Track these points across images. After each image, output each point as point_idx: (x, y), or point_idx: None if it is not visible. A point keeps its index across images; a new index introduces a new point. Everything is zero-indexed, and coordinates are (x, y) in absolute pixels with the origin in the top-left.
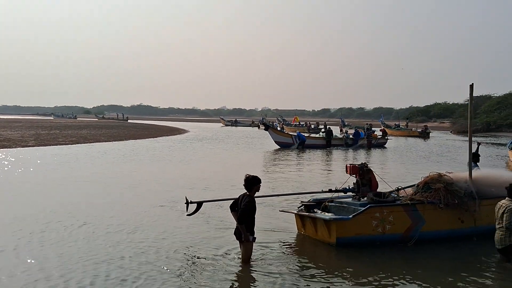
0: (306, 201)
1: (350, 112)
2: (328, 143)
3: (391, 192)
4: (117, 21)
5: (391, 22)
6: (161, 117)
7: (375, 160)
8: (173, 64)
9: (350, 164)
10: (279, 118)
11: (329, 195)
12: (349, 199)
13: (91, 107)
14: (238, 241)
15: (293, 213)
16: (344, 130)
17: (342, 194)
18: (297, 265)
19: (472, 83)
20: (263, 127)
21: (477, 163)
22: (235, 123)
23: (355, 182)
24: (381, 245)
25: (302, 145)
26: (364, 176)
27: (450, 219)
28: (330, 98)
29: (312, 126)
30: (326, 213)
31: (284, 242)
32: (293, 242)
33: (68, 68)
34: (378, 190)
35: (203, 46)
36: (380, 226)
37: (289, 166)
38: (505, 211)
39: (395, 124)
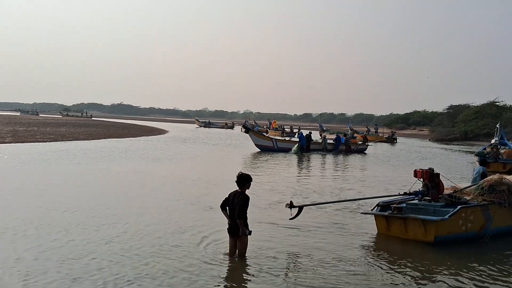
0: (382, 202)
1: (331, 117)
2: (306, 148)
3: (452, 193)
4: (98, 17)
5: (373, 28)
6: (142, 117)
7: (357, 166)
8: (155, 64)
9: (420, 169)
10: (254, 122)
11: (388, 198)
12: (415, 201)
13: (71, 105)
14: (231, 237)
15: (382, 214)
16: (323, 135)
17: (406, 197)
18: (396, 262)
19: None
20: (244, 130)
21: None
22: (208, 125)
23: (423, 185)
24: (463, 242)
25: (303, 151)
26: (433, 179)
27: (510, 216)
28: (312, 103)
29: (287, 130)
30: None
31: (369, 243)
32: (378, 242)
33: (49, 64)
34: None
35: (185, 47)
36: (464, 225)
37: (287, 171)
38: None
39: (367, 129)
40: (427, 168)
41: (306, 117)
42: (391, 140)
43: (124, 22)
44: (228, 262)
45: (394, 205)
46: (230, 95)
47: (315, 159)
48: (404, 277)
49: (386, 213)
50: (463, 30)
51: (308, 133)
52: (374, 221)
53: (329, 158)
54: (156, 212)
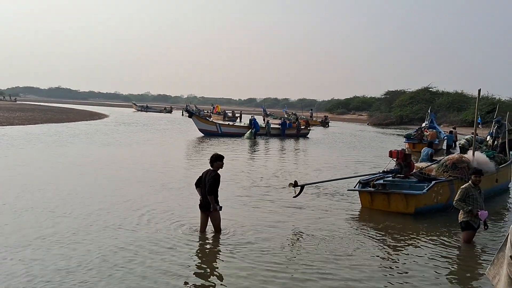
0: (363, 180)
1: (275, 102)
2: None
3: (421, 171)
4: (34, 2)
5: (315, 17)
6: (80, 101)
7: (305, 148)
8: (95, 46)
9: (395, 150)
10: (195, 107)
11: (367, 176)
12: (389, 178)
13: (5, 89)
14: (203, 213)
15: (368, 191)
16: (266, 119)
17: (382, 174)
18: (382, 231)
19: (480, 89)
20: (188, 115)
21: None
22: (146, 109)
23: (396, 164)
24: (434, 212)
25: (255, 135)
26: (406, 159)
27: None
28: (257, 88)
29: (230, 115)
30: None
31: (355, 216)
32: (363, 215)
33: None
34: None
35: (127, 29)
36: (436, 198)
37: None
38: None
39: (293, 113)
40: (401, 149)
41: (250, 102)
42: (324, 124)
43: (61, 4)
44: (196, 238)
45: (377, 182)
46: (174, 79)
47: (270, 143)
48: (392, 242)
49: (372, 189)
50: (400, 20)
51: (252, 117)
52: (356, 197)
53: (279, 142)
54: (118, 194)
